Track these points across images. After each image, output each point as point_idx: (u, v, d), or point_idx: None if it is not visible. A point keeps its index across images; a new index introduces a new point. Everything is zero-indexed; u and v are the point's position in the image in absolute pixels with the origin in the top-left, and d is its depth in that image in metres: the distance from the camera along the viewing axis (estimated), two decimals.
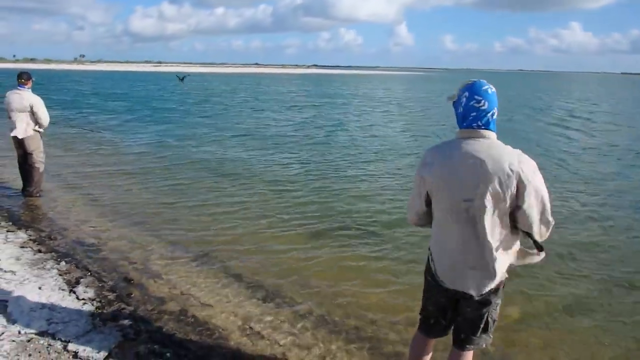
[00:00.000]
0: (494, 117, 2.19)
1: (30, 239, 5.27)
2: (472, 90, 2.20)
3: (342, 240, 5.77)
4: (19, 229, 5.59)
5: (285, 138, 14.11)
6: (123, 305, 3.94)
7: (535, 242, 2.31)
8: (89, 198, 7.29)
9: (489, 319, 2.40)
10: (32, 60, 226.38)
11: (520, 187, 2.09)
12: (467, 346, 2.48)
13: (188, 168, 9.64)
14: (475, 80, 2.25)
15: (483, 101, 2.17)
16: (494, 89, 2.21)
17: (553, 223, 2.21)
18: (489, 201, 2.12)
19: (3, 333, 3.33)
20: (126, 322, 3.66)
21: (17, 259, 4.67)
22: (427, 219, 2.47)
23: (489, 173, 2.09)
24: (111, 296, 4.10)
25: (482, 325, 2.40)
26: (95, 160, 10.19)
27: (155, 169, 9.51)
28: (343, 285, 4.56)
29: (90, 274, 4.53)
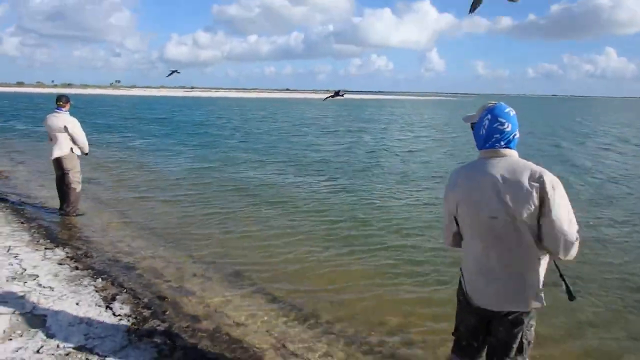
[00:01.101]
0: (515, 137, 2.30)
1: (67, 256, 5.44)
2: (495, 113, 2.30)
3: (380, 263, 5.76)
4: (57, 246, 5.78)
5: (326, 164, 13.84)
6: (158, 322, 4.00)
7: (564, 281, 2.36)
8: (125, 218, 7.50)
9: (524, 340, 2.38)
10: (69, 85, 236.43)
11: (543, 202, 2.14)
12: None
13: (224, 191, 9.76)
14: (496, 103, 2.36)
15: (507, 123, 2.28)
16: (514, 112, 2.32)
17: (578, 240, 2.20)
18: (513, 218, 2.17)
19: (42, 347, 3.42)
20: (161, 338, 3.72)
21: (55, 275, 4.82)
22: (457, 240, 2.52)
23: (511, 190, 2.16)
24: (146, 313, 4.17)
25: (515, 347, 2.38)
26: (132, 183, 10.48)
27: (191, 191, 9.67)
28: (380, 307, 4.55)
29: (126, 291, 4.63)
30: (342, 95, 9.23)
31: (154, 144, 18.28)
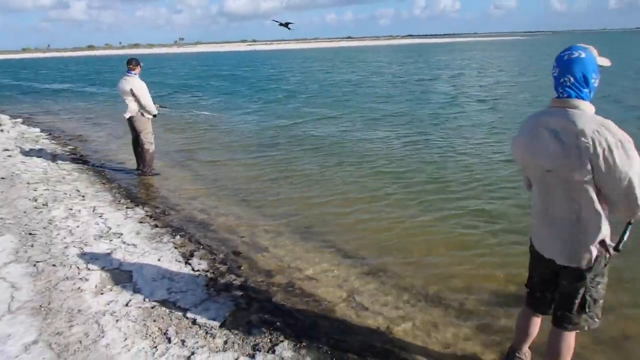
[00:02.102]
0: (570, 82, 2.16)
1: (147, 215, 5.81)
2: (556, 60, 2.23)
3: (450, 216, 5.68)
4: (137, 205, 6.18)
5: (401, 117, 13.27)
6: (234, 277, 4.24)
7: (625, 230, 2.28)
8: (198, 177, 7.83)
9: (587, 296, 2.34)
10: (136, 45, 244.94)
11: (602, 157, 2.03)
12: (565, 325, 2.43)
13: (295, 149, 9.79)
14: (564, 50, 2.24)
15: (556, 68, 2.21)
16: (577, 55, 2.17)
17: None
18: (568, 172, 2.13)
19: (130, 300, 3.74)
20: (238, 292, 3.94)
21: (138, 233, 5.19)
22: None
23: (568, 143, 2.09)
24: (223, 268, 4.42)
25: (578, 302, 2.35)
26: (203, 141, 10.86)
27: (261, 150, 9.82)
28: (449, 261, 4.56)
29: (203, 247, 4.91)
30: (289, 28, 8.77)
31: (224, 102, 18.57)
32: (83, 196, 6.41)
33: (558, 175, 2.18)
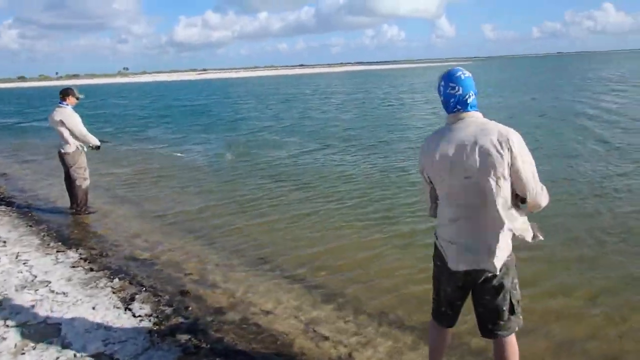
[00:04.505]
0: (472, 98, 2.47)
1: (81, 258, 5.43)
2: (447, 78, 2.49)
3: (407, 236, 5.80)
4: (69, 248, 5.79)
5: (349, 140, 13.53)
6: (181, 319, 3.97)
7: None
8: (141, 212, 7.51)
9: (512, 300, 2.55)
10: (75, 76, 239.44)
11: (512, 156, 2.32)
12: (503, 332, 2.59)
13: (244, 175, 9.73)
14: (450, 69, 2.54)
15: (457, 87, 2.45)
16: (467, 74, 2.50)
17: (544, 189, 2.47)
18: (485, 175, 2.34)
19: (58, 358, 3.39)
20: (185, 336, 3.68)
21: (69, 279, 4.81)
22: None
23: (480, 149, 2.34)
24: (168, 310, 4.14)
25: (507, 308, 2.54)
26: (147, 174, 10.47)
27: (209, 178, 9.68)
28: (408, 282, 4.59)
29: (145, 289, 4.60)
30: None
31: (169, 132, 18.24)
32: (4, 242, 5.96)
33: (477, 183, 2.37)
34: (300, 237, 5.97)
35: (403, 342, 3.56)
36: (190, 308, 4.19)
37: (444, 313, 2.73)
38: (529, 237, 2.51)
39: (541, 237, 2.55)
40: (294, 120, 19.24)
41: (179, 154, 12.94)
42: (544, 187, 2.47)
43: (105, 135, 9.62)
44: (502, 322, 2.55)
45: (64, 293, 4.46)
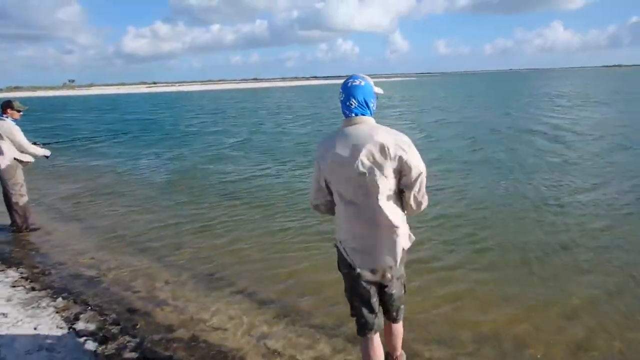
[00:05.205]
0: (368, 104, 2.65)
1: (22, 277, 5.27)
2: (343, 86, 2.70)
3: None
4: (9, 267, 5.60)
5: (303, 155, 13.75)
6: (128, 338, 3.92)
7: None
8: (88, 229, 7.31)
9: (405, 285, 2.91)
10: (17, 88, 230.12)
11: (402, 159, 2.53)
12: (399, 318, 2.99)
13: (195, 190, 9.64)
14: (348, 77, 2.75)
15: (341, 94, 2.67)
16: (360, 83, 2.66)
17: (426, 196, 2.69)
18: (377, 173, 2.54)
19: None
20: (132, 355, 3.65)
21: (8, 299, 4.66)
22: (330, 206, 2.86)
23: (372, 150, 2.52)
24: (115, 329, 4.07)
25: (403, 295, 2.90)
26: (95, 189, 10.22)
27: (159, 193, 9.52)
28: None
29: (91, 308, 4.51)
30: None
31: (119, 147, 17.69)
32: None
33: (373, 182, 2.55)
34: (251, 253, 5.93)
35: (356, 355, 3.57)
36: (138, 326, 4.13)
37: (366, 323, 2.84)
38: (409, 235, 2.77)
39: (413, 237, 2.80)
40: (248, 135, 19.21)
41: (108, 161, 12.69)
42: (426, 194, 2.68)
43: (52, 149, 9.24)
44: (400, 309, 2.94)
45: (3, 314, 4.32)
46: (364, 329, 2.86)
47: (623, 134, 14.76)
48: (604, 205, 7.31)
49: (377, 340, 2.90)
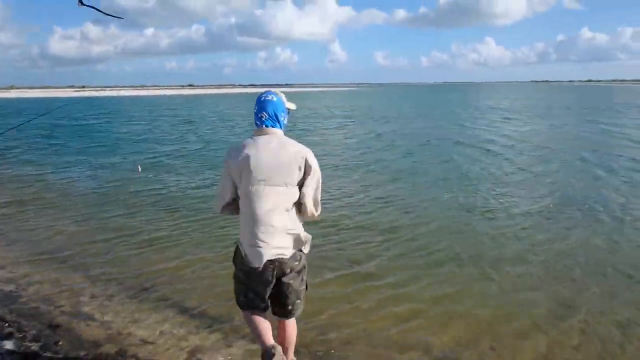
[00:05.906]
0: (278, 118, 2.95)
1: None
2: (257, 99, 3.01)
3: None
4: None
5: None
6: (50, 355, 3.78)
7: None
8: (8, 241, 6.96)
9: (305, 286, 3.08)
10: None
11: (306, 170, 2.87)
12: (295, 313, 3.11)
13: (126, 200, 9.37)
14: (262, 92, 3.06)
15: (263, 107, 2.94)
16: (272, 98, 2.97)
17: (320, 205, 3.01)
18: (280, 180, 2.83)
19: None
20: None
21: None
22: (235, 206, 3.05)
23: (278, 159, 2.83)
24: (35, 347, 3.92)
25: (302, 294, 3.07)
26: (15, 201, 9.66)
27: (87, 204, 9.18)
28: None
29: (8, 324, 4.31)
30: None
31: (48, 155, 16.83)
32: None
33: (275, 183, 2.82)
34: (182, 265, 5.83)
35: None
36: (60, 342, 3.98)
37: (258, 306, 3.03)
38: (306, 239, 3.01)
39: (309, 237, 3.02)
40: (180, 144, 18.84)
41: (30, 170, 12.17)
42: (320, 204, 3.00)
43: None
44: (297, 305, 3.07)
45: None
46: (250, 305, 3.06)
47: (572, 146, 15.68)
48: (550, 214, 7.74)
49: (263, 313, 3.11)
